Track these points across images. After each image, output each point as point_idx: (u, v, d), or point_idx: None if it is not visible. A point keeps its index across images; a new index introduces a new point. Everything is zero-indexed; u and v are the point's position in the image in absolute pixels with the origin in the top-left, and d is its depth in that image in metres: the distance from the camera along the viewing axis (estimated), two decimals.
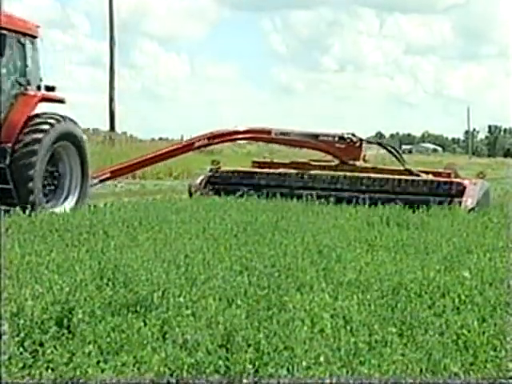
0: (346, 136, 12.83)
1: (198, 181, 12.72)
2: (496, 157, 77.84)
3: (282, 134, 13.07)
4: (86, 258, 5.51)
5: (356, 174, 12.20)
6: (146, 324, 3.93)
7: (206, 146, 13.46)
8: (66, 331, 3.82)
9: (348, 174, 12.19)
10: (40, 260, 5.33)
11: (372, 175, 12.07)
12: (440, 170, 12.96)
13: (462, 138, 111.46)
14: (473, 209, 10.56)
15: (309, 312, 4.27)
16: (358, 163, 12.82)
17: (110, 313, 4.13)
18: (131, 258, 5.51)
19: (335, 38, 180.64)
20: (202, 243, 6.48)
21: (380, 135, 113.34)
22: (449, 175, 12.36)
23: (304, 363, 3.41)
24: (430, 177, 12.37)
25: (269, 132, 13.12)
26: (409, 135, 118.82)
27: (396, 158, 13.19)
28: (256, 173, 12.77)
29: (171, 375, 3.33)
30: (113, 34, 33.02)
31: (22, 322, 3.84)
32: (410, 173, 12.32)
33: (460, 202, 10.93)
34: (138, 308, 4.23)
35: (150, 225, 7.61)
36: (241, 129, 13.28)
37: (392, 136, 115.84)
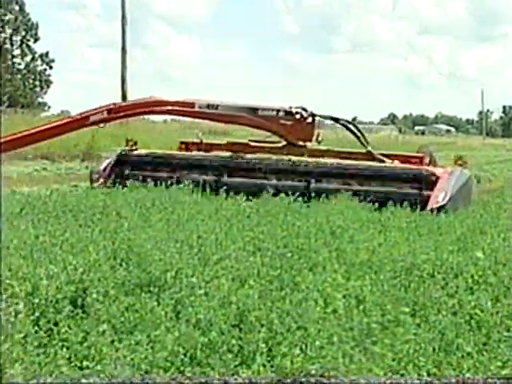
0: (293, 110, 10.50)
1: (103, 166, 10.52)
2: (510, 137, 77.39)
3: (209, 106, 10.54)
4: (99, 238, 5.54)
5: (304, 158, 10.03)
6: (159, 304, 3.96)
7: (105, 121, 10.48)
8: (80, 311, 3.86)
9: (293, 158, 10.01)
10: (54, 240, 5.37)
11: (322, 160, 9.92)
12: (411, 154, 10.88)
13: (475, 118, 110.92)
14: (442, 207, 8.34)
15: (321, 292, 4.28)
16: (309, 145, 10.67)
17: (123, 292, 4.17)
18: (144, 238, 5.53)
19: (348, 19, 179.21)
20: (214, 224, 6.50)
21: (393, 116, 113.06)
22: (420, 161, 10.18)
23: (317, 343, 3.43)
24: (396, 163, 10.18)
25: (191, 104, 10.63)
26: (422, 116, 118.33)
27: (356, 137, 10.84)
28: (175, 157, 10.70)
29: (184, 355, 3.37)
30: (124, 13, 32.99)
31: (36, 301, 3.87)
32: (372, 157, 10.28)
33: (427, 198, 8.66)
34: (152, 288, 4.26)
35: (162, 206, 7.65)
36: (153, 100, 10.79)
37: (405, 117, 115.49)
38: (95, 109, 10.34)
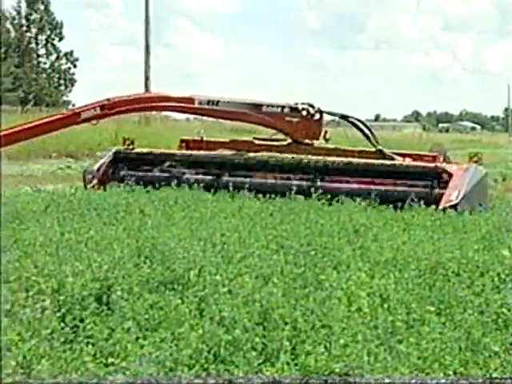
0: (300, 107, 9.97)
1: (97, 166, 9.87)
2: None
3: (210, 102, 9.89)
4: (123, 236, 5.59)
5: (310, 157, 9.47)
6: (183, 301, 3.97)
7: (98, 117, 9.75)
8: (105, 307, 3.89)
9: (298, 157, 9.45)
10: (79, 238, 5.43)
11: (329, 159, 9.35)
12: (424, 153, 10.39)
13: (501, 115, 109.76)
14: (455, 206, 7.97)
15: (345, 290, 4.27)
16: (316, 143, 10.10)
17: (147, 290, 4.20)
18: (168, 236, 5.57)
19: (371, 15, 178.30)
20: (237, 222, 6.51)
21: (416, 114, 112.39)
22: (434, 159, 9.67)
23: (341, 341, 3.42)
24: (407, 161, 9.72)
25: (190, 100, 9.95)
26: (446, 114, 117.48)
27: (366, 136, 10.38)
28: (173, 156, 10.08)
29: (208, 353, 3.38)
30: (148, 13, 33.18)
31: (62, 297, 3.93)
32: (383, 155, 9.77)
33: (440, 197, 8.29)
34: (175, 285, 4.29)
35: (185, 204, 7.68)
36: (149, 96, 10.41)
37: (429, 114, 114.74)
38: (87, 105, 9.75)
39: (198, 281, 4.37)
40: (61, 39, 49.97)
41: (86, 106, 9.71)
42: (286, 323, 3.70)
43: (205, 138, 10.65)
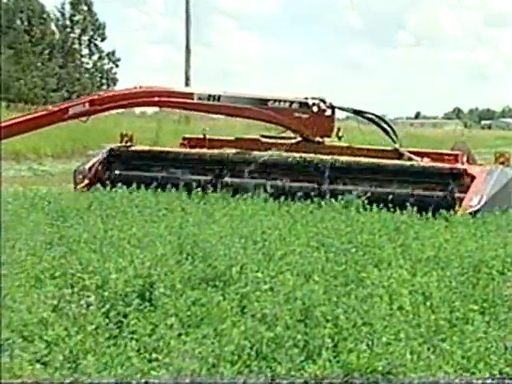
0: (310, 102, 8.99)
1: (88, 165, 8.98)
2: None
3: (210, 97, 9.04)
4: (165, 233, 5.64)
5: (321, 156, 8.51)
6: (225, 298, 4.01)
7: (88, 114, 9.02)
8: (148, 304, 3.95)
9: (307, 156, 8.51)
10: (122, 235, 5.51)
11: (341, 158, 8.40)
12: (446, 152, 9.12)
13: None
14: (477, 212, 7.17)
15: (387, 288, 4.27)
16: (327, 141, 9.15)
17: (189, 287, 4.24)
18: (209, 233, 5.60)
19: (412, 12, 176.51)
20: (278, 220, 6.53)
21: (458, 111, 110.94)
22: (456, 159, 8.57)
23: (384, 339, 3.43)
24: (426, 161, 8.60)
25: (189, 95, 9.22)
26: (488, 110, 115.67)
27: (385, 132, 9.31)
28: (168, 154, 9.17)
29: (251, 349, 3.40)
30: (189, 13, 33.41)
31: (106, 294, 4.01)
32: (400, 155, 8.74)
33: (460, 202, 7.44)
34: (217, 282, 4.33)
35: (225, 201, 7.72)
36: (143, 90, 9.15)
37: (471, 111, 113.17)
38: (75, 100, 9.25)
39: (240, 278, 4.40)
40: (103, 39, 50.55)
41: (74, 101, 9.17)
42: (328, 321, 3.71)
43: (208, 136, 9.71)
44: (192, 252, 4.98)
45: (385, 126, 9.29)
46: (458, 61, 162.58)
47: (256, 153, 8.77)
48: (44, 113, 9.00)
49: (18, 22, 43.68)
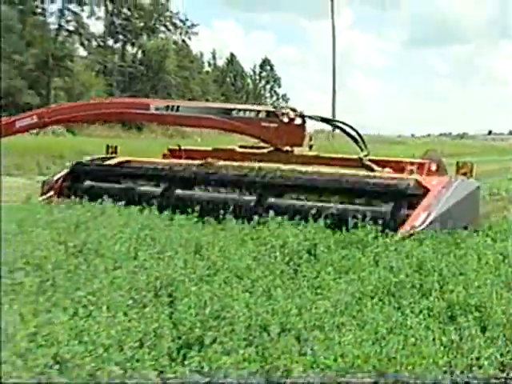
0: (278, 111, 6.74)
1: (57, 176, 6.77)
2: None
3: (169, 108, 6.86)
4: None
5: (285, 166, 6.29)
6: (364, 255, 4.21)
7: (36, 127, 7.12)
8: (313, 257, 4.22)
9: (270, 165, 6.30)
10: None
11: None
12: (412, 160, 6.62)
13: None
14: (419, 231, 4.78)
15: (476, 250, 4.32)
16: (296, 150, 6.85)
17: (340, 247, 4.47)
18: None
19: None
20: None
21: None
22: (420, 168, 6.26)
23: (475, 284, 3.49)
24: (386, 172, 6.21)
25: (145, 106, 6.96)
26: None
27: (354, 140, 6.90)
28: (123, 167, 6.74)
29: (383, 289, 3.57)
30: (334, 64, 33.72)
31: (286, 251, 4.25)
32: (362, 164, 6.44)
33: (404, 219, 5.01)
34: (358, 245, 4.52)
35: None
36: (96, 102, 7.17)
37: None
38: (22, 114, 7.12)
39: (374, 242, 4.55)
40: (279, 87, 58.70)
41: (24, 115, 7.06)
42: (435, 271, 3.83)
43: (184, 147, 7.48)
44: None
45: (353, 133, 6.94)
46: None
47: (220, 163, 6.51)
48: None
49: (228, 79, 52.46)
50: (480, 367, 2.67)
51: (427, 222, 4.88)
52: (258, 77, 58.38)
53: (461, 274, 3.75)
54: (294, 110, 6.83)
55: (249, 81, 56.85)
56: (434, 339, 2.85)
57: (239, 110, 6.82)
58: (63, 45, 35.41)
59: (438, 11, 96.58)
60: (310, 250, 4.33)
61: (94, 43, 38.87)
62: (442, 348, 2.76)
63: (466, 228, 5.04)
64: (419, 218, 4.94)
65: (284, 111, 6.73)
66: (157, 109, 6.88)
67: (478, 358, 2.71)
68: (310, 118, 6.92)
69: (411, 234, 4.72)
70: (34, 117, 6.87)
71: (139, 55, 40.40)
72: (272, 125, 6.70)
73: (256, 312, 2.96)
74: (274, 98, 57.86)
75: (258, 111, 6.80)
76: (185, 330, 2.74)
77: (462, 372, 2.61)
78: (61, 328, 2.62)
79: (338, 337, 2.77)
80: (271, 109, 6.84)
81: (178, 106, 6.88)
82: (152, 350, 2.53)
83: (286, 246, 4.32)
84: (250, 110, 6.82)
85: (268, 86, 58.79)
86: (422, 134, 61.62)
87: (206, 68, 51.49)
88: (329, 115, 31.49)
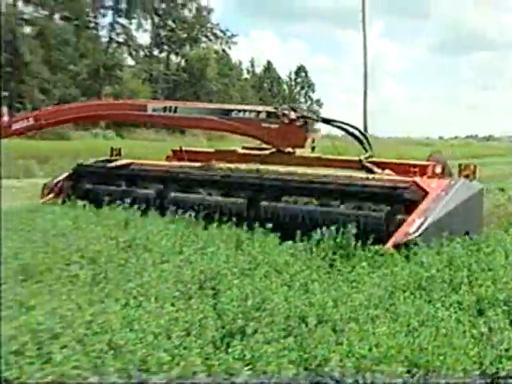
0: (279, 112, 6.20)
1: (57, 179, 6.51)
2: None
3: (166, 109, 6.52)
4: None
5: (284, 168, 5.81)
6: (396, 250, 4.22)
7: (33, 129, 6.79)
8: (347, 253, 4.21)
9: (266, 168, 5.81)
10: None
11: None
12: (415, 162, 5.93)
13: None
14: (412, 240, 4.23)
15: (504, 246, 4.29)
16: (298, 151, 6.32)
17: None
18: None
19: None
20: None
21: None
22: (423, 171, 5.66)
23: (503, 279, 3.49)
24: (386, 174, 5.65)
25: (142, 107, 6.63)
26: None
27: (358, 140, 6.46)
28: (124, 169, 6.35)
29: (414, 284, 3.55)
30: (366, 70, 33.35)
31: (322, 246, 4.24)
32: (362, 165, 5.92)
33: (397, 226, 4.47)
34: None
35: None
36: (92, 103, 6.80)
37: None
38: (18, 116, 6.93)
39: None
40: (313, 91, 59.40)
41: (19, 117, 6.81)
42: (465, 266, 3.80)
43: (186, 148, 7.05)
44: None
45: (357, 134, 6.50)
46: None
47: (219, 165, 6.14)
48: None
49: (265, 85, 53.11)
50: (509, 358, 2.64)
51: (422, 229, 4.30)
52: (293, 83, 59.24)
53: (489, 270, 3.72)
54: (294, 109, 6.36)
55: (285, 87, 57.83)
56: (464, 331, 2.87)
57: (239, 110, 6.40)
58: (113, 55, 36.54)
59: (464, 19, 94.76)
60: (344, 246, 4.29)
61: (141, 53, 39.88)
62: (472, 340, 2.77)
63: (467, 234, 4.52)
64: (414, 224, 4.36)
65: (285, 112, 6.26)
66: (154, 110, 6.59)
67: (507, 350, 2.71)
68: (311, 118, 6.49)
69: (405, 244, 4.16)
70: (30, 119, 6.65)
71: (182, 64, 41.12)
72: (273, 126, 6.26)
73: (294, 304, 3.01)
74: (309, 102, 59.07)
75: (259, 112, 6.36)
76: (228, 321, 2.79)
77: (491, 363, 2.58)
78: (114, 317, 2.71)
79: (372, 328, 2.80)
80: (271, 109, 6.37)
81: (176, 107, 6.57)
82: (198, 339, 2.58)
83: (321, 243, 4.31)
84: (250, 111, 6.39)
85: (303, 92, 59.72)
86: (450, 136, 60.62)
87: (245, 75, 52.30)
88: (360, 119, 31.40)
